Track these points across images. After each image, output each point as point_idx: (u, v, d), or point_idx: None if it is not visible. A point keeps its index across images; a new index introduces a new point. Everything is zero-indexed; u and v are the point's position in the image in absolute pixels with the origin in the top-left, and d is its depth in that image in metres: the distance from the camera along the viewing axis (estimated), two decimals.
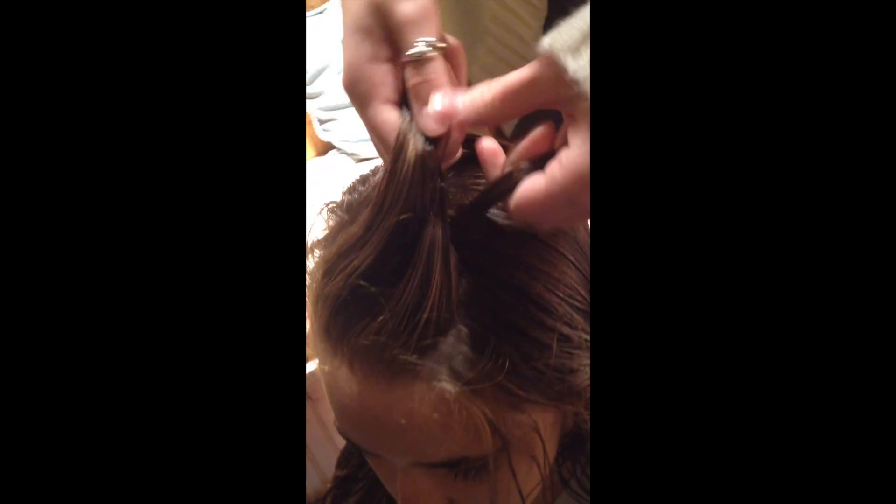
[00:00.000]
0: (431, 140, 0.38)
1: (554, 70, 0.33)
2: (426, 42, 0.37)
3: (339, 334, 0.40)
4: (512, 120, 0.37)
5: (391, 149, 0.38)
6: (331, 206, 0.47)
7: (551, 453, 0.45)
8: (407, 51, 0.38)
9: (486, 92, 0.36)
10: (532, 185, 0.35)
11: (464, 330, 0.39)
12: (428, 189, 0.37)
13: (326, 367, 0.42)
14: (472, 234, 0.40)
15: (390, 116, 0.39)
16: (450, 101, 0.37)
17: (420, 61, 0.38)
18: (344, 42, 0.40)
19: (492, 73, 0.59)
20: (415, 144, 0.37)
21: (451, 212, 0.40)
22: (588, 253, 0.44)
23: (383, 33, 0.38)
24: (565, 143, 0.34)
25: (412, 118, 0.38)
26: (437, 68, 0.38)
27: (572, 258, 0.43)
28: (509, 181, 0.37)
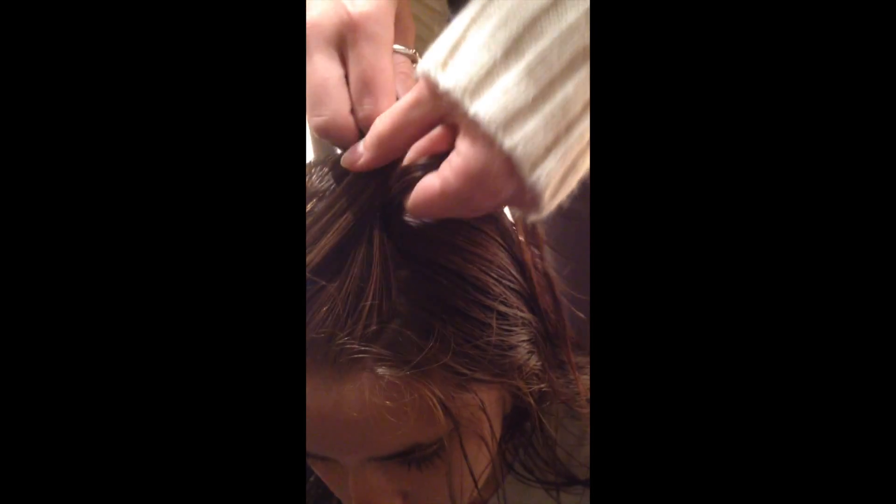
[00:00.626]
0: None
1: (429, 87, 0.35)
2: (409, 50, 0.41)
3: None
4: (409, 146, 0.38)
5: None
6: None
7: (497, 432, 0.47)
8: (403, 47, 0.41)
9: (378, 128, 0.38)
10: (426, 185, 0.36)
11: (406, 316, 0.40)
12: (382, 188, 0.39)
13: None
14: (399, 227, 0.41)
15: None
16: (352, 151, 0.39)
17: (411, 61, 0.41)
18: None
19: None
20: None
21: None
22: (514, 237, 0.46)
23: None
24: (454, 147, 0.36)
25: None
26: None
27: (500, 241, 0.44)
28: (407, 177, 0.38)
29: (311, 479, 0.58)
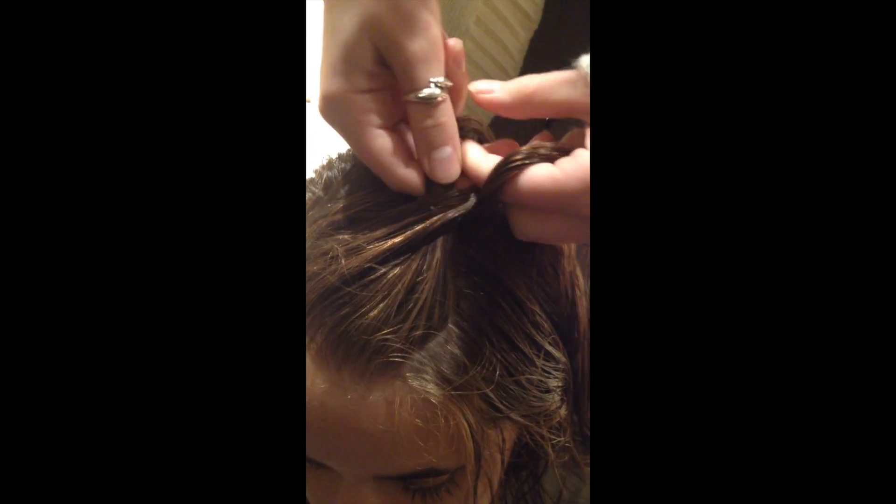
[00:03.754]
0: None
1: (582, 79, 0.35)
2: (437, 84, 0.36)
3: (312, 320, 0.36)
4: (537, 116, 0.37)
5: (394, 174, 0.37)
6: None
7: (501, 476, 0.43)
8: (415, 91, 0.35)
9: (524, 81, 0.36)
10: (541, 170, 0.35)
11: (455, 331, 0.36)
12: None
13: None
14: (470, 236, 0.38)
15: (385, 142, 0.37)
16: (486, 83, 0.37)
17: (431, 104, 0.36)
18: (324, 69, 0.36)
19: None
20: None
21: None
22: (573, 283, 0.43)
23: (376, 64, 0.36)
24: (580, 143, 0.35)
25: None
26: (447, 111, 0.36)
27: (561, 282, 0.41)
28: (513, 164, 0.36)
29: None
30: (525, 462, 0.46)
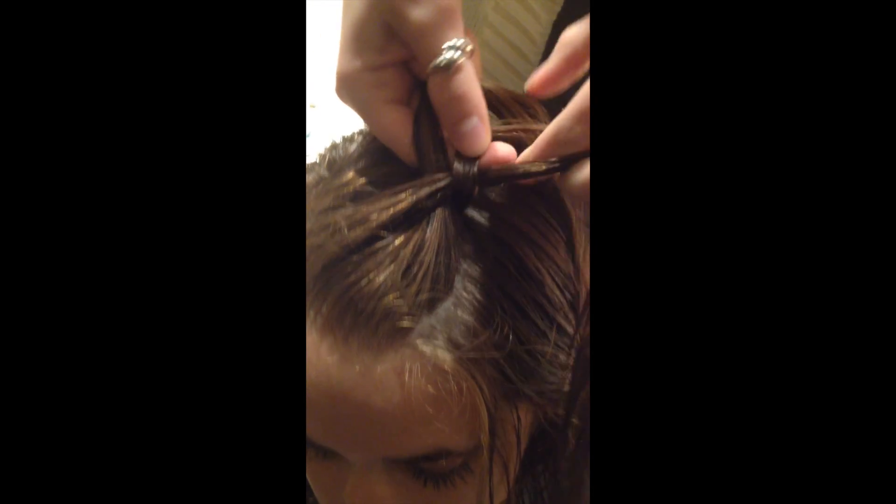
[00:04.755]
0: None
1: None
2: (454, 47, 0.34)
3: (318, 292, 0.35)
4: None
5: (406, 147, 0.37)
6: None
7: (518, 464, 0.41)
8: (432, 60, 0.34)
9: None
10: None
11: (464, 296, 0.35)
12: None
13: None
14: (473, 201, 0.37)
15: (397, 116, 0.37)
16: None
17: (449, 71, 0.34)
18: (340, 51, 0.36)
19: (484, 70, 0.56)
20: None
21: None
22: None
23: (386, 39, 0.35)
24: None
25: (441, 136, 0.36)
26: (469, 78, 0.35)
27: (578, 252, 0.40)
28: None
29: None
30: (541, 454, 0.44)
